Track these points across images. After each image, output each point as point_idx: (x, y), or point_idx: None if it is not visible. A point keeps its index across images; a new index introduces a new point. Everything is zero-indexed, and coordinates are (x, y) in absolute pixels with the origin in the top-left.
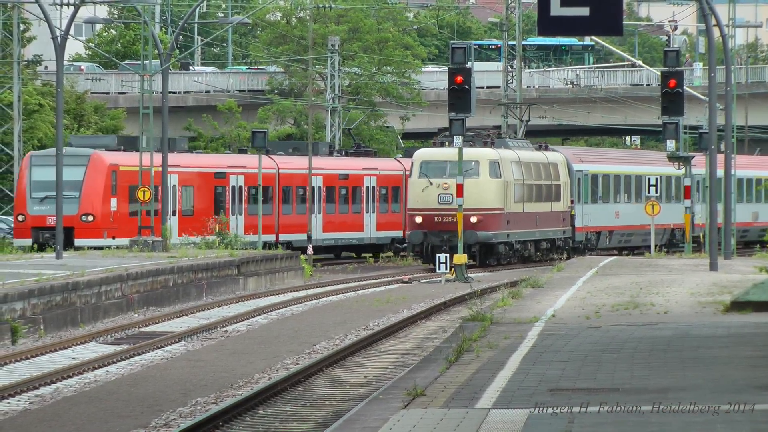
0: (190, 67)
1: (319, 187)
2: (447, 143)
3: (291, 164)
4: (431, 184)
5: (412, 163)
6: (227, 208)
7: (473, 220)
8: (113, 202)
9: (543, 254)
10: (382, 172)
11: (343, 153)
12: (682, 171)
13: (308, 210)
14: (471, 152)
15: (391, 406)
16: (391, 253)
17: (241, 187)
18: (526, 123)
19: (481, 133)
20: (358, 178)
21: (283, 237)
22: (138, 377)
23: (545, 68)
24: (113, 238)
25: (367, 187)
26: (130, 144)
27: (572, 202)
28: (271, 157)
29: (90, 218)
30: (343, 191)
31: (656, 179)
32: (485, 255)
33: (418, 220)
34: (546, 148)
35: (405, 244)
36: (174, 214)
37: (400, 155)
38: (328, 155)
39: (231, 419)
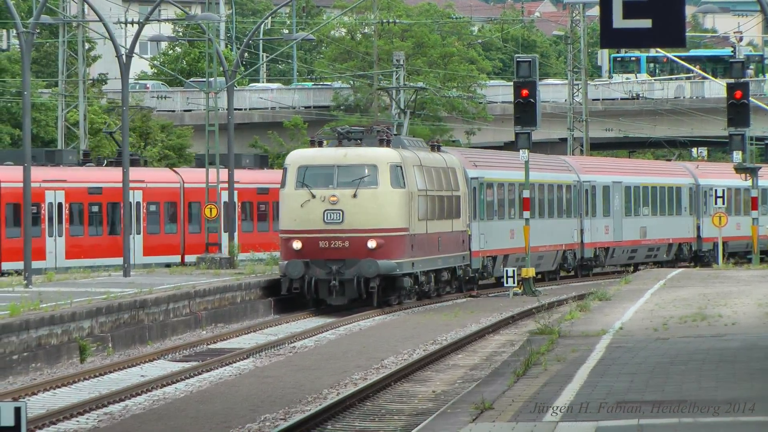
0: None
1: (60, 204)
2: (326, 142)
3: (15, 176)
4: (314, 196)
5: (285, 169)
6: None
7: (371, 245)
8: None
9: (441, 288)
10: (151, 185)
11: (105, 162)
12: (571, 179)
13: (44, 232)
14: (366, 153)
15: (459, 420)
16: None
17: None
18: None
19: (373, 128)
20: (117, 192)
21: (7, 266)
22: (206, 394)
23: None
24: None
25: (129, 203)
26: None
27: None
28: None
29: None
30: (95, 209)
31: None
32: (385, 291)
33: (297, 245)
34: (439, 149)
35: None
36: None
37: (192, 165)
38: (77, 165)
39: None
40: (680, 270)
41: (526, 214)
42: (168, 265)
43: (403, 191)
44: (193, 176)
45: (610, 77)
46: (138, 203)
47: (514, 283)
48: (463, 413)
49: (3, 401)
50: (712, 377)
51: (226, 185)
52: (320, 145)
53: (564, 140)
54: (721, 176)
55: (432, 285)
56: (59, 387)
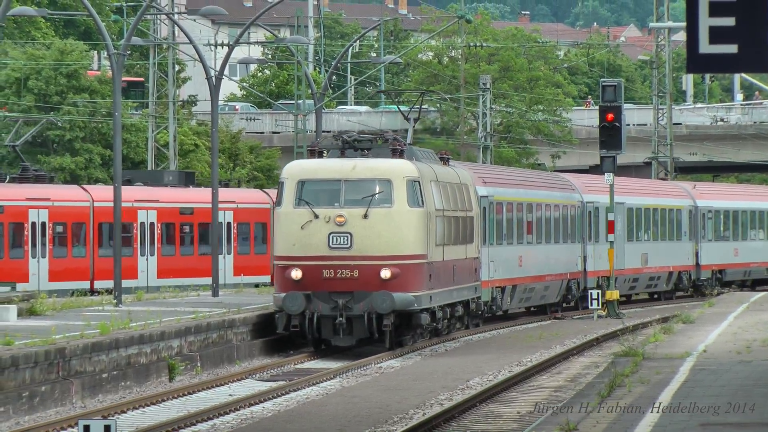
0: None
1: None
2: (326, 152)
3: None
4: (317, 217)
5: (281, 184)
6: None
7: (385, 274)
8: None
9: (452, 324)
10: (58, 203)
11: (7, 178)
12: (575, 199)
13: None
14: (379, 166)
15: None
16: None
17: None
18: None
19: (385, 134)
20: (20, 212)
21: None
22: (294, 414)
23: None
24: None
25: (34, 223)
26: None
27: None
28: None
29: None
30: None
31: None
32: (398, 329)
33: (296, 274)
34: (448, 162)
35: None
36: None
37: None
38: None
39: None
40: (762, 293)
41: (611, 237)
42: (72, 294)
43: (421, 211)
44: (105, 194)
45: None
46: (43, 224)
47: (598, 305)
48: None
49: (93, 419)
50: None
51: (146, 204)
52: (320, 155)
53: (648, 164)
54: (719, 197)
55: (445, 322)
56: (148, 405)
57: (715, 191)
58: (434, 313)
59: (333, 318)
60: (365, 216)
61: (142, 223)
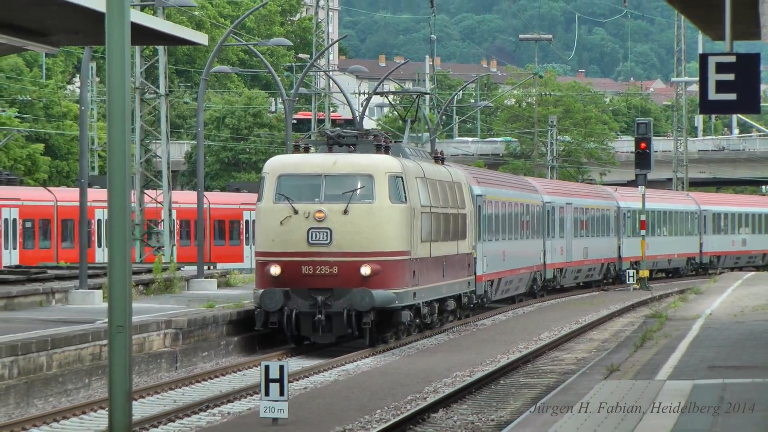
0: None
1: None
2: (314, 148)
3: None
4: (296, 212)
5: (263, 179)
6: None
7: (365, 271)
8: None
9: (444, 319)
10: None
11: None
12: (538, 199)
13: None
14: (360, 161)
15: (594, 378)
16: None
17: None
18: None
19: (370, 131)
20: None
21: None
22: (414, 358)
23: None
24: None
25: (247, 221)
26: None
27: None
28: None
29: None
30: None
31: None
32: (380, 326)
33: (275, 270)
34: (443, 162)
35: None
36: None
37: None
38: None
39: (481, 387)
40: (752, 273)
41: (642, 232)
42: None
43: (403, 207)
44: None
45: None
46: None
47: (634, 280)
48: (597, 373)
49: (271, 361)
50: None
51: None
52: (306, 151)
53: (669, 180)
54: (634, 199)
55: (435, 317)
56: (309, 353)
57: (631, 194)
58: (419, 309)
59: (312, 315)
60: (345, 211)
61: (6, 219)
